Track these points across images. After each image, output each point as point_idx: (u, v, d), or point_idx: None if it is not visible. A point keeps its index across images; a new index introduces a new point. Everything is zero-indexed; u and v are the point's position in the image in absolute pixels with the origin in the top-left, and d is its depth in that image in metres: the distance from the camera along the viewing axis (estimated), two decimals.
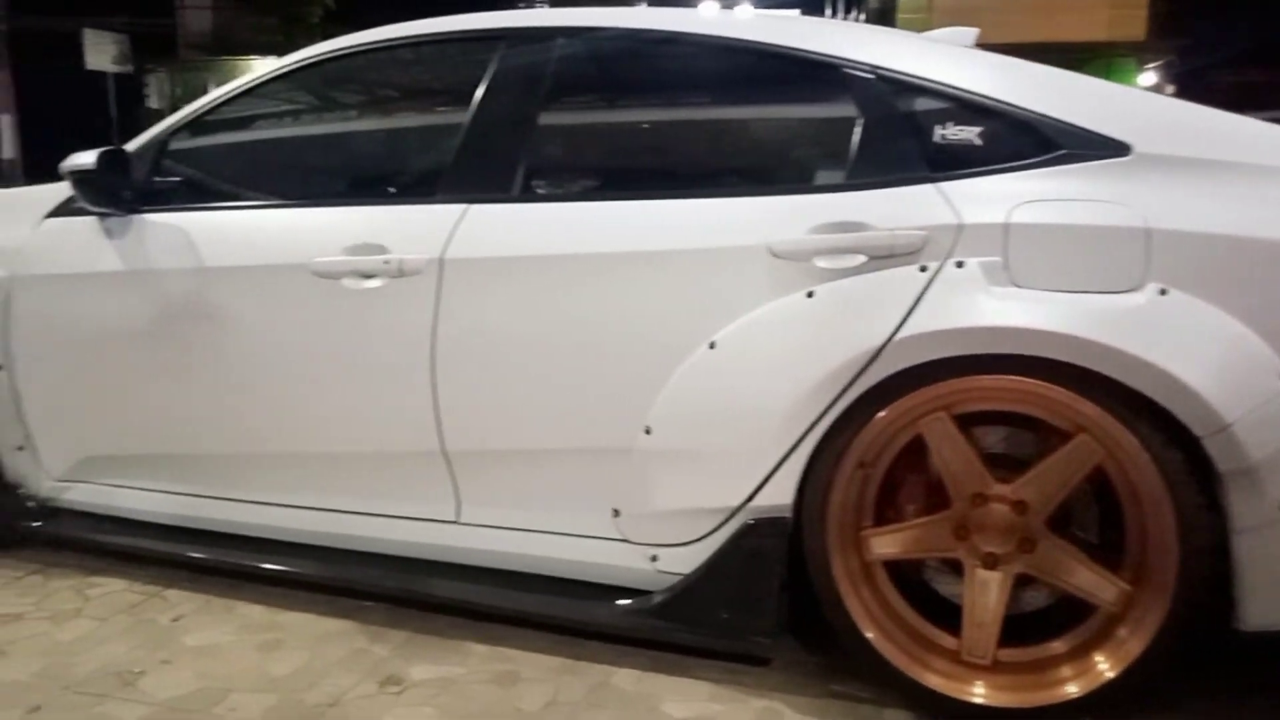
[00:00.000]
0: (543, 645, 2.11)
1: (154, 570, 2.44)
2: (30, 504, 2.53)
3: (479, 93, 2.20)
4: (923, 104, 1.94)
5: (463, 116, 2.21)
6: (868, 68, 1.98)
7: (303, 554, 2.30)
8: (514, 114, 2.18)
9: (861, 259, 1.86)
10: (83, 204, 2.37)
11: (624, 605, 2.04)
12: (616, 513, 2.07)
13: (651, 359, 1.98)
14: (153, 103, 18.59)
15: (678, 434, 1.98)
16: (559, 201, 2.14)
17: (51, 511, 2.54)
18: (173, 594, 2.34)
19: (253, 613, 2.25)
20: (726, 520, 1.97)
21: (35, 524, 2.52)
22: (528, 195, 2.15)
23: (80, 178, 2.30)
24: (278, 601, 2.29)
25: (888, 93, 1.96)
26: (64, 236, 2.46)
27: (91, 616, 2.23)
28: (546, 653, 2.09)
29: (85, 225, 2.42)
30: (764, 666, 2.02)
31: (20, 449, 2.52)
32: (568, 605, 2.11)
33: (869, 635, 1.86)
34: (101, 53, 16.91)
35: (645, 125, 2.32)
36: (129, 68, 17.73)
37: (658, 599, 2.02)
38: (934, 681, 1.85)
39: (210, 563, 2.34)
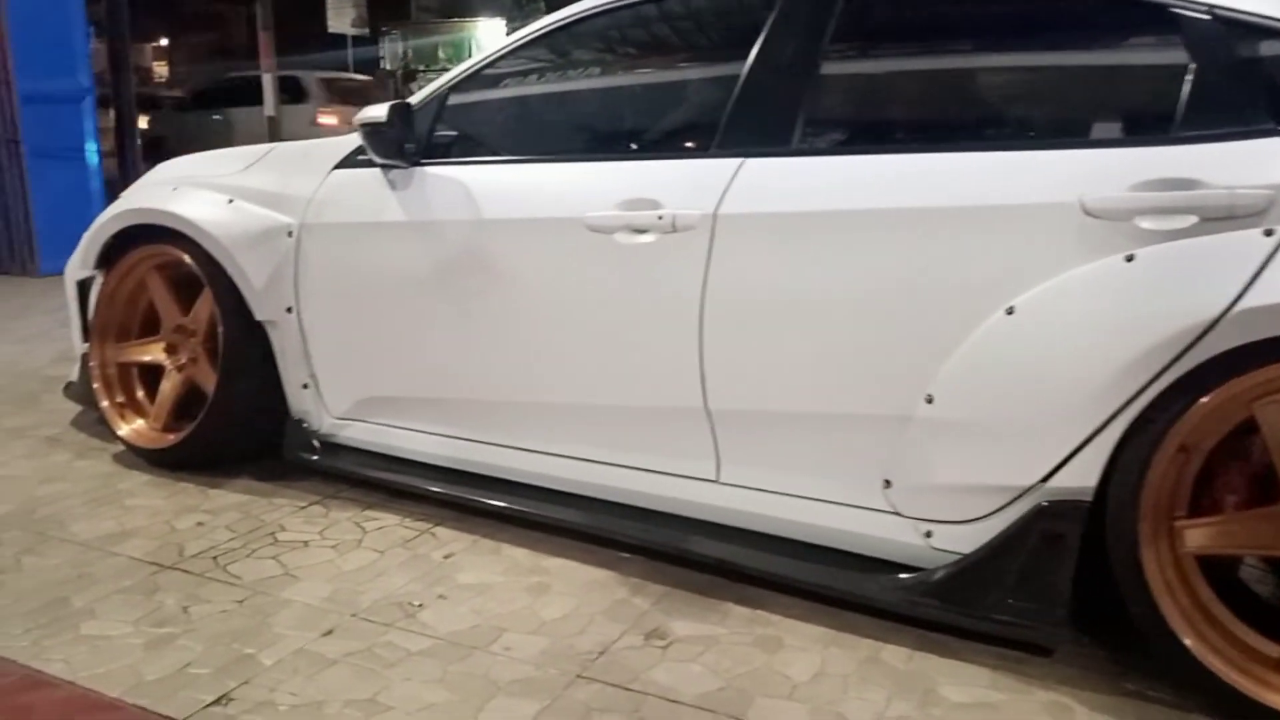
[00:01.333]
0: (801, 613, 2.06)
1: (424, 508, 2.55)
2: (312, 438, 2.70)
3: (758, 41, 2.13)
4: (1267, 47, 1.72)
5: (739, 67, 2.15)
6: (1202, 6, 1.77)
7: (566, 502, 2.34)
8: (795, 62, 2.10)
9: (1192, 220, 1.68)
10: (369, 156, 2.48)
11: (895, 580, 1.96)
12: (888, 483, 1.98)
13: (938, 323, 1.87)
14: (385, 64, 19.62)
15: (965, 405, 1.87)
16: (841, 155, 2.05)
17: (330, 446, 2.70)
18: (442, 532, 2.44)
19: (517, 555, 2.32)
20: (1015, 499, 1.84)
21: (315, 457, 2.69)
22: (807, 148, 2.07)
23: (372, 130, 2.39)
24: (540, 546, 2.35)
25: (1225, 35, 1.75)
26: (350, 187, 2.58)
27: (370, 548, 2.36)
28: (807, 620, 2.03)
29: (370, 176, 2.53)
30: (1045, 657, 1.89)
31: (305, 386, 2.68)
32: (832, 575, 2.04)
33: (1186, 641, 1.68)
34: (342, 16, 17.99)
35: (939, 71, 2.17)
36: (366, 30, 18.76)
37: (933, 576, 1.92)
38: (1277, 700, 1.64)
39: (478, 505, 2.43)
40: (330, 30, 18.03)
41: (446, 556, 2.32)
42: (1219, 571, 1.77)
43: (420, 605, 2.08)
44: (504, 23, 18.28)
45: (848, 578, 2.03)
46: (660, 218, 2.11)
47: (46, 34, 6.47)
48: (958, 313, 1.85)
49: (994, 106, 2.09)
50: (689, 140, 2.35)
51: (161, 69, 27.91)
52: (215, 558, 2.29)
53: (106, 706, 1.72)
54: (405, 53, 19.05)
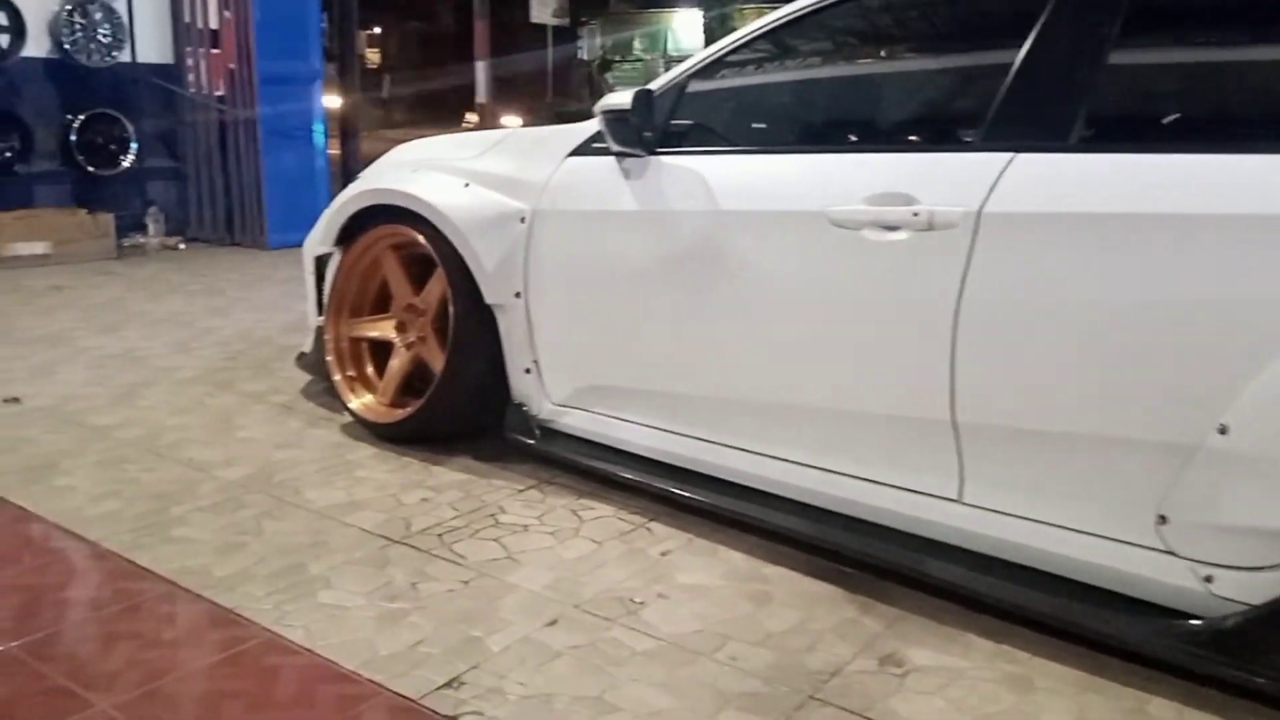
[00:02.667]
0: (1050, 651, 1.88)
1: (638, 501, 2.51)
2: (531, 423, 2.72)
3: (1038, 22, 1.95)
4: None
5: (1012, 52, 1.98)
6: None
7: (789, 509, 2.24)
8: (1081, 46, 1.91)
9: None
10: (604, 144, 2.45)
11: (1168, 626, 1.76)
12: (1163, 519, 1.78)
13: (1242, 345, 1.66)
14: (583, 54, 20.00)
15: (1269, 438, 1.65)
16: (1133, 153, 1.84)
17: (548, 432, 2.71)
18: (657, 528, 2.40)
19: (735, 559, 2.24)
20: None
21: (532, 442, 2.70)
22: (1089, 144, 1.89)
23: (615, 117, 2.36)
24: (757, 552, 2.26)
25: None
26: (584, 174, 2.57)
27: (588, 538, 2.34)
28: (1058, 660, 1.86)
29: (604, 165, 2.51)
30: None
31: (527, 371, 2.69)
32: (1091, 614, 1.86)
33: None
34: (544, 7, 18.43)
35: (1253, 61, 1.93)
36: (566, 21, 19.17)
37: (1217, 626, 1.71)
38: None
39: (696, 503, 2.37)
40: (532, 20, 18.50)
41: (664, 554, 2.27)
42: None
43: (642, 603, 2.04)
44: (700, 14, 18.27)
45: (1109, 619, 1.85)
46: (915, 214, 1.97)
47: (285, 18, 6.88)
48: (1263, 333, 1.64)
49: None
50: (950, 132, 2.20)
51: (374, 56, 29.47)
52: (440, 535, 2.33)
53: (345, 678, 1.75)
54: (602, 44, 19.34)
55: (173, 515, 2.42)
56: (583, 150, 2.61)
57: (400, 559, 2.21)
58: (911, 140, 2.28)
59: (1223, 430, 1.68)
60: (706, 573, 2.18)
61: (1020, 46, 1.96)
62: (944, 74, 2.41)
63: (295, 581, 2.10)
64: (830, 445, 2.19)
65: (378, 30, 30.06)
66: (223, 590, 2.05)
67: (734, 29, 2.44)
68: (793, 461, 2.25)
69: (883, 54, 2.58)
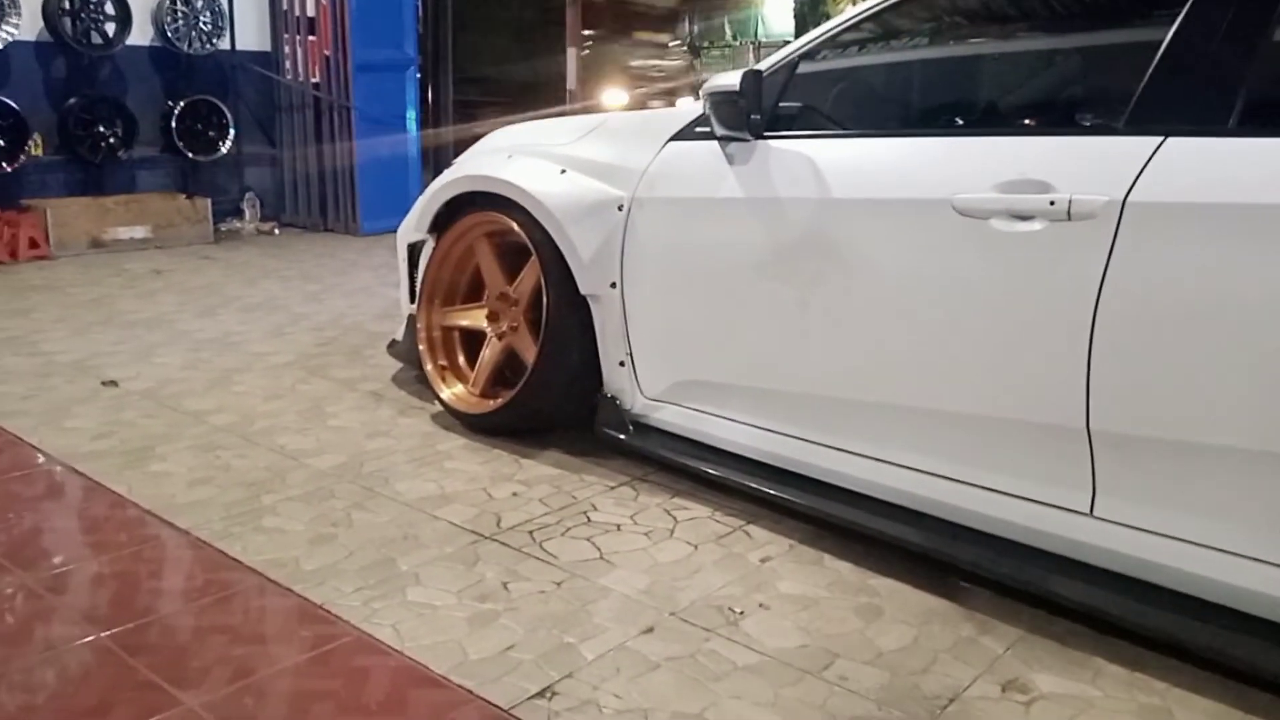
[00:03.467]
0: (1189, 681, 1.72)
1: (736, 503, 2.40)
2: (624, 417, 2.62)
3: None
4: None
5: (1162, 26, 1.80)
6: None
7: (899, 517, 2.11)
8: (1242, 19, 1.73)
9: None
10: (709, 127, 2.34)
11: None
12: None
13: None
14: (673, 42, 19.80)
15: None
16: None
17: (641, 427, 2.61)
18: (756, 531, 2.28)
19: (841, 569, 2.12)
20: None
21: (624, 437, 2.61)
22: (1252, 126, 1.70)
23: (722, 99, 2.25)
24: (865, 562, 2.13)
25: None
26: (686, 160, 2.46)
27: (683, 540, 2.24)
28: (1198, 693, 1.70)
29: (707, 150, 2.39)
30: None
31: (621, 364, 2.60)
32: (1238, 643, 1.69)
33: None
34: None
35: None
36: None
37: None
38: None
39: (799, 507, 2.24)
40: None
41: (763, 560, 2.15)
42: None
43: (742, 613, 1.93)
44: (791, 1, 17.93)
45: (1259, 649, 1.67)
46: (1052, 203, 1.82)
47: (380, 5, 6.91)
48: None
49: None
50: (1089, 114, 2.03)
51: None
52: (531, 532, 2.25)
53: (435, 683, 1.68)
54: (691, 30, 19.11)
55: (264, 504, 2.39)
56: (685, 135, 2.50)
57: (491, 556, 2.14)
58: (1047, 123, 2.10)
59: None
60: (810, 582, 2.06)
61: (1173, 17, 1.78)
62: (1083, 49, 2.23)
63: (385, 577, 2.04)
64: (947, 450, 2.04)
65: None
66: (312, 584, 2.00)
67: (826, 15, 2.29)
68: (905, 467, 2.11)
69: (1013, 28, 2.40)
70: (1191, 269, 1.68)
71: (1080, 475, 1.87)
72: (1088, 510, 1.88)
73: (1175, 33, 1.78)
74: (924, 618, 1.93)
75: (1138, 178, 1.74)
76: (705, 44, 18.30)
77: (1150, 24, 1.83)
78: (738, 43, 17.71)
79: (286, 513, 2.35)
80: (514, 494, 2.46)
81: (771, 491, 2.29)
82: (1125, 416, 1.79)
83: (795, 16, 18.10)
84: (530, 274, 2.72)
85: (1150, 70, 1.80)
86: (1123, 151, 1.77)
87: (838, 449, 2.21)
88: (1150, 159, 1.74)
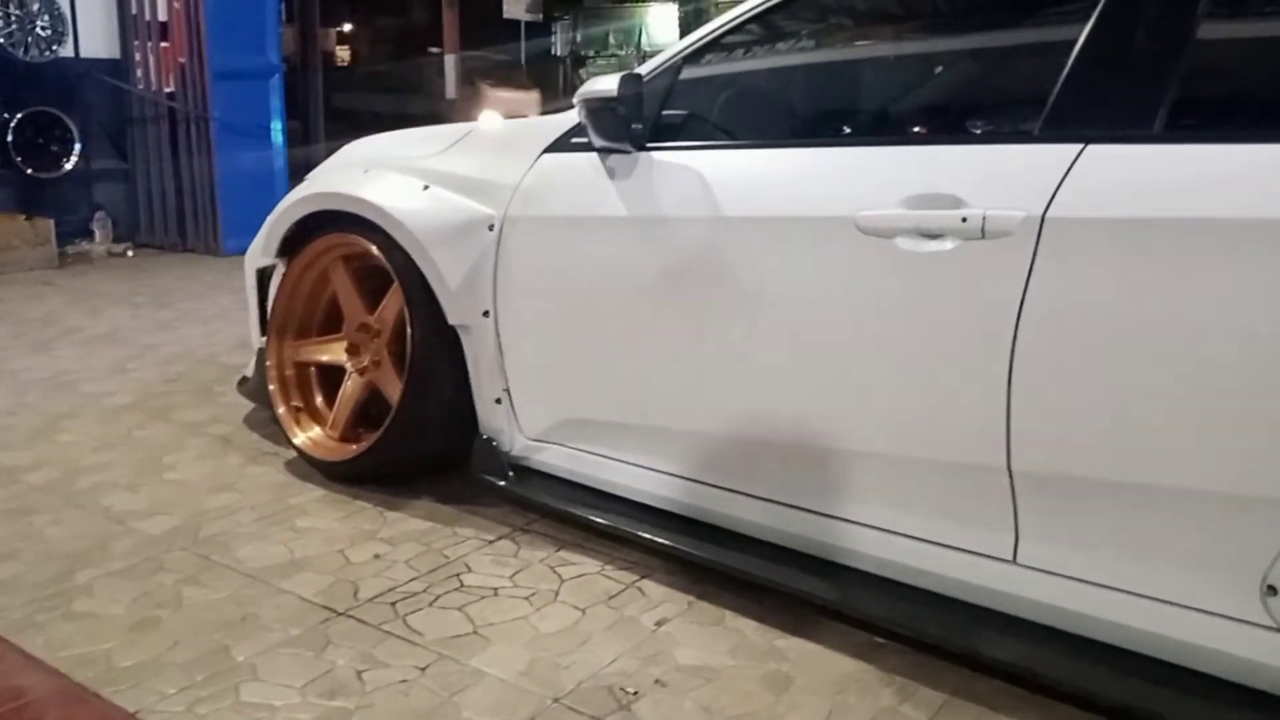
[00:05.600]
0: None
1: (628, 553, 2.16)
2: (502, 461, 2.36)
3: None
4: None
5: (1077, 23, 1.64)
6: None
7: (809, 568, 1.90)
8: (1164, 17, 1.57)
9: None
10: (587, 138, 2.10)
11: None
12: (1273, 590, 1.45)
13: None
14: (556, 49, 19.57)
15: None
16: (1231, 143, 1.50)
17: (522, 471, 2.35)
18: (651, 588, 2.05)
19: (745, 629, 1.89)
20: None
21: (504, 483, 2.34)
22: (1182, 133, 1.55)
23: (599, 107, 2.01)
24: (773, 619, 1.92)
25: None
26: (562, 174, 2.21)
27: (569, 603, 1.98)
28: None
29: (585, 163, 2.15)
30: None
31: (498, 402, 2.34)
32: (1174, 702, 1.53)
33: None
34: (517, 3, 17.98)
35: None
36: (539, 16, 18.74)
37: None
38: None
39: (698, 559, 2.02)
40: (505, 17, 18.05)
41: (659, 623, 1.91)
42: None
43: (635, 693, 1.69)
44: (675, 7, 17.90)
45: (1195, 708, 1.52)
46: (964, 220, 1.63)
47: (239, 9, 6.47)
48: None
49: None
50: (1001, 120, 1.86)
51: (344, 54, 28.91)
52: (394, 604, 1.96)
53: None
54: (574, 39, 18.92)
55: (78, 583, 2.04)
56: (560, 146, 2.26)
57: (345, 637, 1.84)
58: (957, 131, 1.93)
59: None
60: (712, 648, 1.83)
61: (1090, 12, 1.62)
62: (995, 49, 2.06)
63: (216, 672, 1.73)
64: (857, 494, 1.85)
65: (348, 27, 29.47)
66: (126, 686, 1.68)
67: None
68: (812, 511, 1.91)
69: (918, 27, 2.23)
70: (1118, 290, 1.52)
71: (1002, 519, 1.69)
72: (1010, 557, 1.70)
73: (1092, 29, 1.62)
74: (838, 685, 1.72)
75: (1057, 190, 1.57)
76: (590, 53, 18.17)
77: (1066, 20, 1.67)
78: (623, 52, 17.63)
79: (104, 592, 2.00)
80: (376, 556, 2.17)
81: (667, 542, 2.05)
82: (1049, 454, 1.62)
83: (680, 25, 18.12)
84: (393, 302, 2.43)
85: (1066, 71, 1.63)
86: (1040, 162, 1.61)
87: (738, 492, 2.00)
88: (1069, 170, 1.57)
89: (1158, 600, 1.57)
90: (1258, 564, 1.46)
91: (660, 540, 2.06)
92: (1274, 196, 1.41)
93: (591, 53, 18.57)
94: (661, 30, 18.02)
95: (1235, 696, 1.50)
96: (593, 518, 2.18)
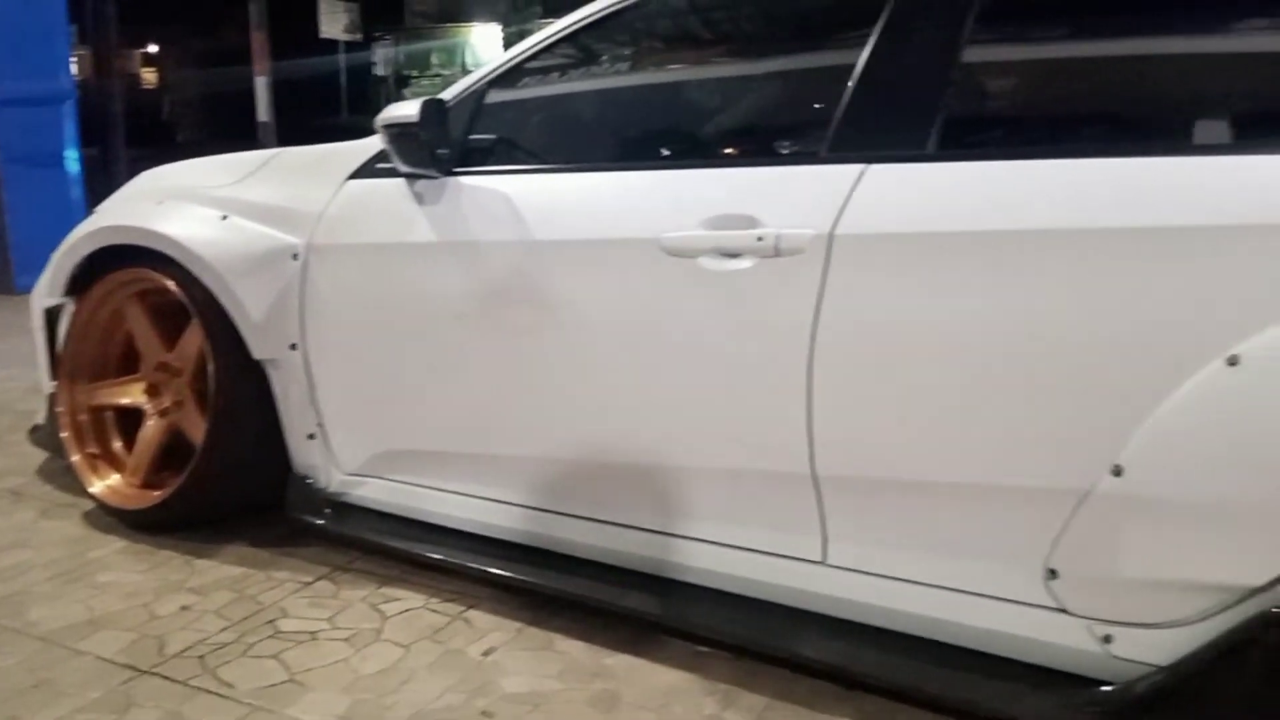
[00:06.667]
0: None
1: (453, 584, 2.12)
2: (319, 498, 2.28)
3: (880, 17, 1.72)
4: None
5: (856, 53, 1.74)
6: None
7: (632, 584, 1.92)
8: (931, 44, 1.68)
9: None
10: (393, 164, 2.06)
11: (1076, 696, 1.54)
12: (1053, 573, 1.57)
13: (1132, 375, 1.46)
14: (379, 70, 19.18)
15: (1168, 479, 1.46)
16: (997, 160, 1.62)
17: (341, 508, 2.28)
18: (478, 617, 2.02)
19: (573, 650, 1.89)
20: (1235, 603, 1.43)
21: (321, 521, 2.26)
22: (952, 152, 1.66)
23: (399, 132, 1.98)
24: (600, 637, 1.92)
25: None
26: (369, 201, 2.16)
27: (392, 640, 1.93)
28: None
29: (392, 189, 2.12)
30: None
31: (311, 437, 2.26)
32: (977, 686, 1.62)
33: None
34: (334, 22, 17.52)
35: (1122, 55, 1.73)
36: (359, 36, 18.32)
37: (1123, 693, 1.50)
38: None
39: (526, 585, 2.00)
40: (322, 35, 17.56)
41: (486, 653, 1.89)
42: None
43: None
44: (500, 28, 17.88)
45: (998, 690, 1.61)
46: (760, 239, 1.70)
47: (22, 30, 6.04)
48: (1160, 362, 1.44)
49: (1200, 99, 1.67)
50: (792, 142, 1.94)
51: (151, 76, 27.42)
52: (203, 657, 1.86)
53: None
54: (397, 59, 18.61)
55: None
56: (366, 172, 2.21)
57: (150, 696, 1.74)
58: (752, 153, 2.00)
59: (1118, 472, 1.47)
60: (540, 673, 1.82)
61: (865, 42, 1.72)
62: (787, 73, 2.15)
63: None
64: (676, 508, 1.88)
65: (154, 48, 27.97)
66: None
67: None
68: (633, 527, 1.93)
69: (715, 53, 2.30)
70: (904, 301, 1.61)
71: (809, 522, 1.76)
72: (820, 558, 1.77)
73: (869, 56, 1.72)
74: (665, 698, 1.74)
75: (843, 209, 1.65)
76: (413, 73, 17.92)
77: (847, 47, 1.76)
78: (447, 72, 17.45)
79: None
80: (184, 608, 2.05)
81: (493, 570, 2.03)
82: (850, 458, 1.70)
83: (505, 45, 18.08)
84: (192, 339, 2.31)
85: (847, 95, 1.72)
86: (826, 181, 1.69)
87: (563, 514, 2.00)
88: (853, 189, 1.66)
89: (957, 591, 1.66)
90: (1040, 550, 1.57)
91: (487, 568, 2.04)
92: (1034, 209, 1.53)
93: (415, 72, 18.32)
94: (487, 50, 17.97)
95: (1036, 679, 1.60)
96: (416, 550, 2.13)
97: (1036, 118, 1.83)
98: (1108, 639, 1.54)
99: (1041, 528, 1.56)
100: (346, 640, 1.93)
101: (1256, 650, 1.40)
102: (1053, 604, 1.58)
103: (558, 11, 2.06)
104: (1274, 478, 1.38)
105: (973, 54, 1.70)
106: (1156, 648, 1.49)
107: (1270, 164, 1.43)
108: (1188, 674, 1.44)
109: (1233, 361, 1.39)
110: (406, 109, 1.96)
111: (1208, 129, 1.61)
